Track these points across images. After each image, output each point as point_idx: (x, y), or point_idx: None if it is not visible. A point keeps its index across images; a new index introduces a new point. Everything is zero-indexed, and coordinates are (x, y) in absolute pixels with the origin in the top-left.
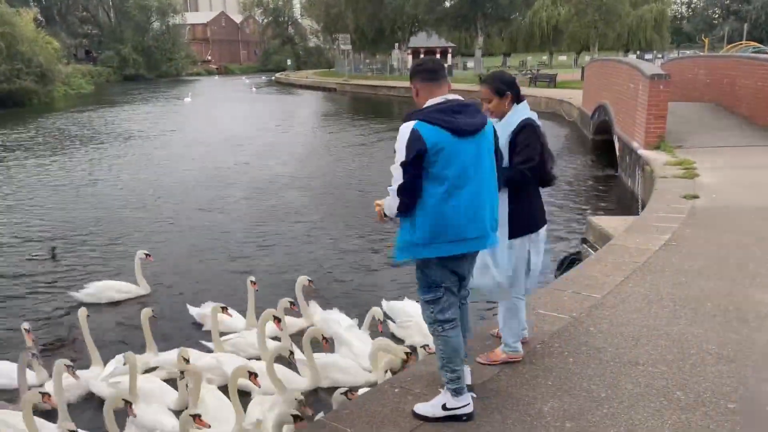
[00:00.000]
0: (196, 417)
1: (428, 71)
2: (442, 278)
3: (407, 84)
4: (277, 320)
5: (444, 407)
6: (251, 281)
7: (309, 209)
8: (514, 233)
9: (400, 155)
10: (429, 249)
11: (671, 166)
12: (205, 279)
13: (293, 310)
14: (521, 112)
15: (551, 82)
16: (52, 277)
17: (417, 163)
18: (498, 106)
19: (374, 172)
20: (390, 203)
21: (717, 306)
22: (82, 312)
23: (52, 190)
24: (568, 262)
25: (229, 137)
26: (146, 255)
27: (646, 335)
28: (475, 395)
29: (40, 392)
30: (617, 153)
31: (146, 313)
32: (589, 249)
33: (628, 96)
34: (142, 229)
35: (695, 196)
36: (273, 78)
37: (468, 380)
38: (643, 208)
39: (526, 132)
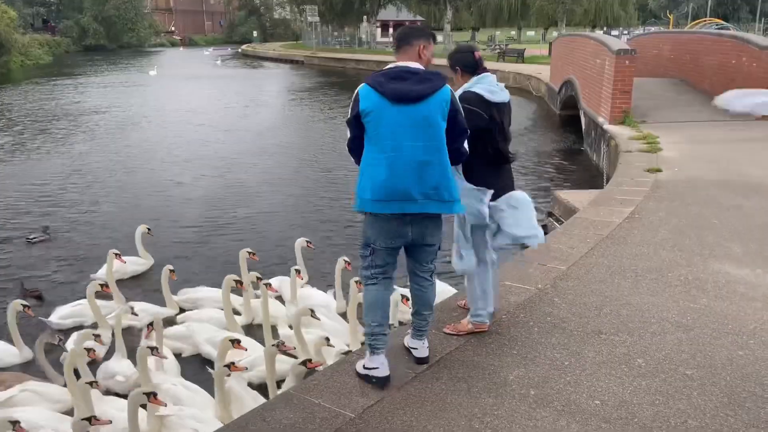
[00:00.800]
0: (151, 395)
1: (397, 39)
2: (374, 238)
3: (375, 57)
4: (269, 285)
5: (364, 366)
6: (249, 252)
7: (279, 184)
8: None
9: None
10: (357, 202)
11: (635, 141)
12: (181, 254)
13: (300, 279)
14: (468, 85)
15: (519, 57)
16: (48, 258)
17: (357, 122)
18: (457, 81)
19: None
20: None
21: (677, 276)
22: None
23: (19, 170)
24: None
25: (197, 113)
26: (148, 230)
27: (608, 305)
28: (425, 364)
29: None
30: (583, 128)
31: (165, 271)
32: (554, 222)
33: (595, 71)
34: (107, 208)
35: (658, 170)
36: (239, 50)
37: (424, 353)
38: (607, 182)
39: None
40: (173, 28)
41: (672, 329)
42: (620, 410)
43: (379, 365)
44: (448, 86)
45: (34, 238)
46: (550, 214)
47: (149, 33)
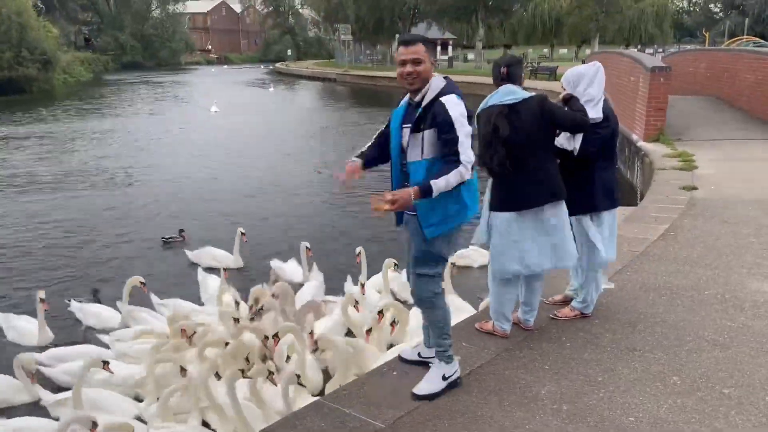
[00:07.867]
0: None
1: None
2: (448, 250)
3: None
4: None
5: (444, 378)
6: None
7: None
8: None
9: (465, 126)
10: (467, 212)
11: (670, 158)
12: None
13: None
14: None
15: (552, 75)
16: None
17: None
18: None
19: None
20: (456, 177)
21: (714, 294)
22: None
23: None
24: None
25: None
26: (242, 233)
27: (643, 322)
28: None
29: None
30: (617, 145)
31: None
32: None
33: (629, 89)
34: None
35: (694, 188)
36: (272, 67)
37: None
38: (641, 199)
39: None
40: (210, 47)
41: (709, 347)
42: (655, 428)
43: (458, 364)
44: None
45: (170, 238)
46: None
47: (183, 50)
